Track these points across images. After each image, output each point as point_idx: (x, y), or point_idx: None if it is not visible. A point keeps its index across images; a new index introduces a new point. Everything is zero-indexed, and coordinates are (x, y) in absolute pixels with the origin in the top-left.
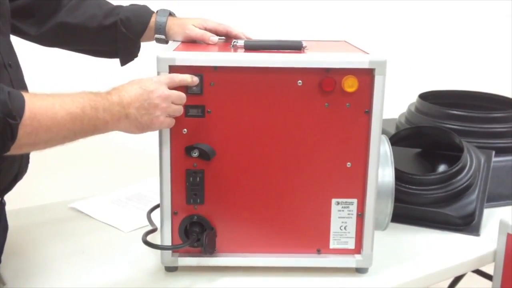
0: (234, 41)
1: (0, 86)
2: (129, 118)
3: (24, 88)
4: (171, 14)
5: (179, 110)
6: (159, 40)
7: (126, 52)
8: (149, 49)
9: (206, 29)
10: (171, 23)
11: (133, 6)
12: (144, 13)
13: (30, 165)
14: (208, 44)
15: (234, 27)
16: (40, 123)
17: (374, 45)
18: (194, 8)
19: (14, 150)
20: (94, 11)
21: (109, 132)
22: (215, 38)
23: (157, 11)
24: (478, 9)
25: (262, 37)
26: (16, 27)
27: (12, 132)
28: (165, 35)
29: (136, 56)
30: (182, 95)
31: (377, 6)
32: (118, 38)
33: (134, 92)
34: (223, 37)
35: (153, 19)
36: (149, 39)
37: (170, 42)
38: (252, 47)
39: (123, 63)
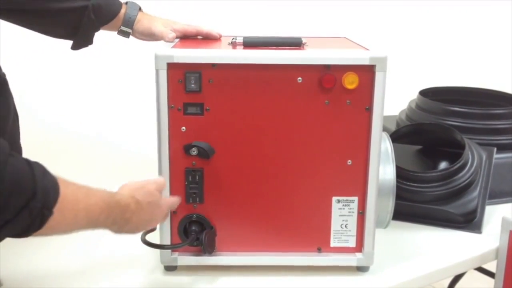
0: (233, 38)
1: (41, 168)
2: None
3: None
4: (140, 9)
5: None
6: (122, 33)
7: (85, 38)
8: (146, 48)
9: (174, 31)
10: (141, 17)
11: None
12: (114, 2)
13: None
14: (169, 41)
15: (204, 26)
16: (65, 218)
17: (375, 41)
18: (192, 5)
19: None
20: None
21: None
22: (172, 35)
23: (126, 3)
24: (478, 5)
25: (261, 33)
26: None
27: (41, 222)
28: (132, 28)
29: (91, 43)
30: (176, 203)
31: (377, 2)
32: (83, 23)
33: (144, 217)
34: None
35: (123, 10)
36: (112, 29)
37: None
38: (251, 44)
39: (77, 48)
